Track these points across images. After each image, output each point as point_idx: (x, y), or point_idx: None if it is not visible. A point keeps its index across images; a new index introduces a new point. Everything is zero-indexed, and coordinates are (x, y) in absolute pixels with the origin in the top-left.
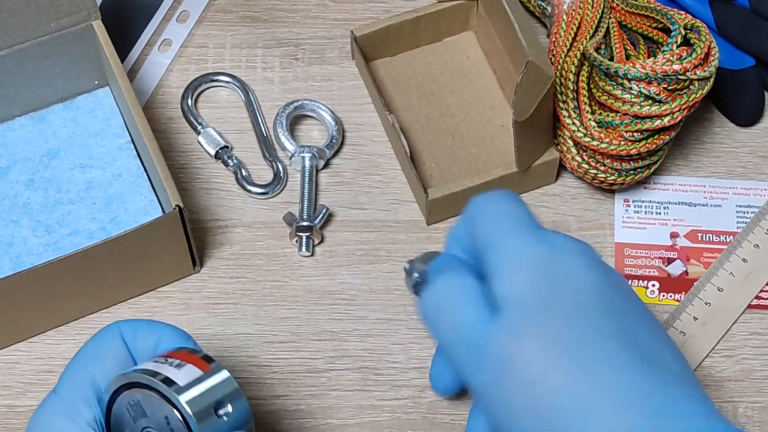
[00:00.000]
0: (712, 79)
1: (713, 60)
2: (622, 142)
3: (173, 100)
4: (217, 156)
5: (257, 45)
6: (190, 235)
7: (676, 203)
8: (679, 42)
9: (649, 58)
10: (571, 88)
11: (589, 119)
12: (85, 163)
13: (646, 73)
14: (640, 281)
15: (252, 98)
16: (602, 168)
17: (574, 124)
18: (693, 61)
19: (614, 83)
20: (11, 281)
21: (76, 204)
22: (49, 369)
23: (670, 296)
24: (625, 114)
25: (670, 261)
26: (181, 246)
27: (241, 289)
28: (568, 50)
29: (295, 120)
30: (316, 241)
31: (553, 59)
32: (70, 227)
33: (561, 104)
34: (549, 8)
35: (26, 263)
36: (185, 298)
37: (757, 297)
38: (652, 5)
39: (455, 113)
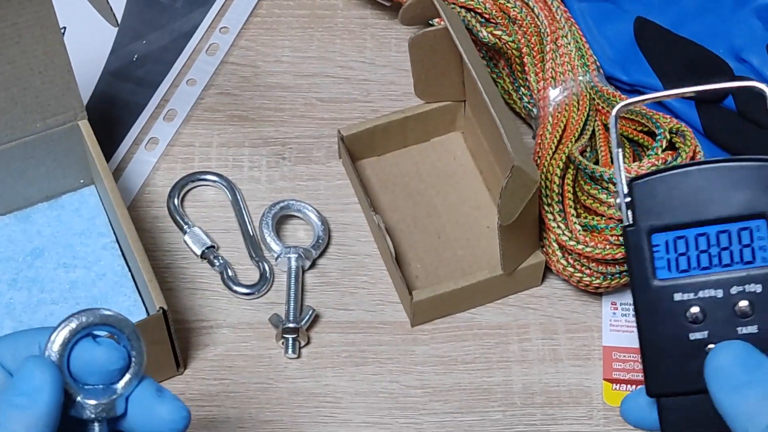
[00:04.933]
0: None
1: None
2: (608, 246)
3: (159, 199)
4: (203, 256)
5: (244, 144)
6: (174, 337)
7: None
8: (664, 146)
9: (634, 161)
10: (556, 191)
11: (575, 223)
12: (69, 263)
13: (632, 178)
14: (628, 386)
15: (238, 197)
16: (588, 271)
17: (559, 227)
18: None
19: (599, 187)
20: None
21: (59, 304)
22: None
23: None
24: (610, 218)
25: None
26: (164, 348)
27: (225, 391)
28: (554, 153)
29: (281, 220)
30: (303, 343)
31: (538, 161)
32: None
33: (546, 207)
34: (535, 110)
35: None
36: None
37: None
38: (637, 108)
39: (441, 214)
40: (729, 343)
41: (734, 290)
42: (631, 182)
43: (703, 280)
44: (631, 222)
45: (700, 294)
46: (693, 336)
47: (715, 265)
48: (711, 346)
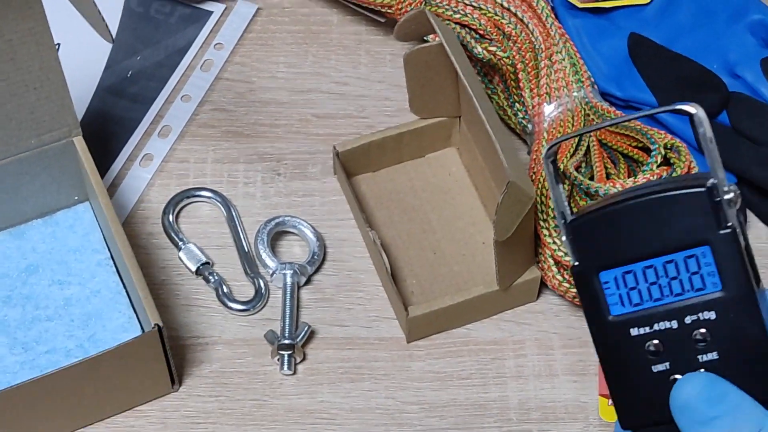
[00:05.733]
0: None
1: None
2: None
3: (154, 215)
4: (198, 272)
5: (239, 160)
6: (169, 354)
7: None
8: (659, 161)
9: (629, 177)
10: (552, 207)
11: None
12: (64, 280)
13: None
14: None
15: (233, 214)
16: None
17: (554, 243)
18: None
19: None
20: None
21: (53, 321)
22: None
23: None
24: None
25: None
26: (159, 364)
27: (221, 408)
28: None
29: (276, 236)
30: (298, 360)
31: (533, 177)
32: (48, 345)
33: (542, 223)
34: (530, 126)
35: (2, 381)
36: (163, 417)
37: None
38: (632, 124)
39: (437, 229)
40: (691, 377)
41: (688, 319)
42: (568, 224)
43: (657, 312)
44: (576, 262)
45: (656, 327)
46: (656, 368)
47: (666, 295)
48: (676, 376)
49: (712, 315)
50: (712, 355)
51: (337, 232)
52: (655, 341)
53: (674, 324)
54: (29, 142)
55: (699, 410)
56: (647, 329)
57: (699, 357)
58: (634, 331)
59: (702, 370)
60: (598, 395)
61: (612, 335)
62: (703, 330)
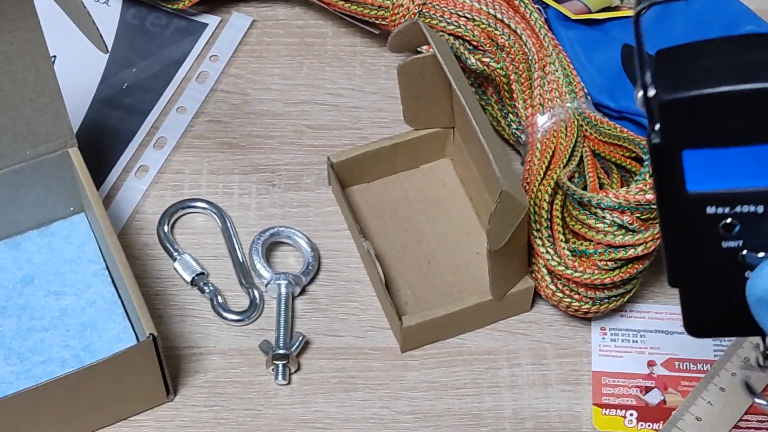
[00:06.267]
0: None
1: None
2: (596, 271)
3: (149, 226)
4: (193, 283)
5: (234, 171)
6: (164, 363)
7: (652, 331)
8: (651, 171)
9: (622, 187)
10: (545, 216)
11: (563, 248)
12: (59, 290)
13: (620, 203)
14: (618, 410)
15: (228, 224)
16: (577, 296)
17: (548, 252)
18: None
19: (588, 212)
20: None
21: (49, 331)
22: None
23: (648, 426)
24: (598, 243)
25: (647, 390)
26: (154, 374)
27: (215, 418)
28: (542, 179)
29: (271, 246)
30: (293, 370)
31: (527, 187)
32: (43, 355)
33: (535, 233)
34: (523, 136)
35: None
36: (158, 427)
37: (736, 426)
38: (625, 134)
39: (431, 240)
40: None
41: None
42: (655, 98)
43: (742, 193)
44: (657, 138)
45: (738, 209)
46: (726, 244)
47: (759, 179)
48: (756, 255)
49: None
50: None
51: (331, 242)
52: (731, 220)
53: (760, 209)
54: (25, 153)
55: None
56: (726, 209)
57: None
58: (710, 209)
59: None
60: (592, 405)
61: (683, 209)
62: None
